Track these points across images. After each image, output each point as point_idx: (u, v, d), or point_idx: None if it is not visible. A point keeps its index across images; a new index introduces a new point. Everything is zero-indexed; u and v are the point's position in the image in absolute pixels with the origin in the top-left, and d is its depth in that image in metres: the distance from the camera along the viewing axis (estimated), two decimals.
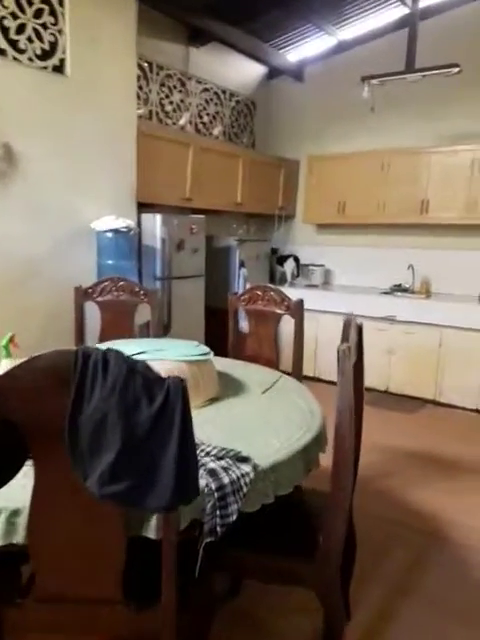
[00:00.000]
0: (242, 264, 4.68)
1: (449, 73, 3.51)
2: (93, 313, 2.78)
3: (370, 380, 4.91)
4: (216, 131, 5.22)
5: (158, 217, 3.79)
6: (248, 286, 4.95)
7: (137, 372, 1.03)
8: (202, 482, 1.27)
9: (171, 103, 4.68)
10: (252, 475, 1.35)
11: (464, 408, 4.27)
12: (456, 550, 2.38)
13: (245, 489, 1.33)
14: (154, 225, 3.79)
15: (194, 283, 4.14)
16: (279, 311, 2.49)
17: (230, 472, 1.33)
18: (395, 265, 5.03)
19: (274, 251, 5.44)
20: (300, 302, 2.44)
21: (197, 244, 4.13)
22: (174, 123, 4.72)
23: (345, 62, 5.03)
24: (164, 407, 1.02)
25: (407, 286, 4.89)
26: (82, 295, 2.74)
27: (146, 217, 3.83)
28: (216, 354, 2.06)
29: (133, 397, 1.02)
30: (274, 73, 5.62)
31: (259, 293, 2.56)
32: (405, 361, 4.49)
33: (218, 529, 1.28)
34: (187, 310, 4.00)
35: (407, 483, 3.00)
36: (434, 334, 4.33)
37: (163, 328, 3.92)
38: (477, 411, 4.22)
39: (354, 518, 1.85)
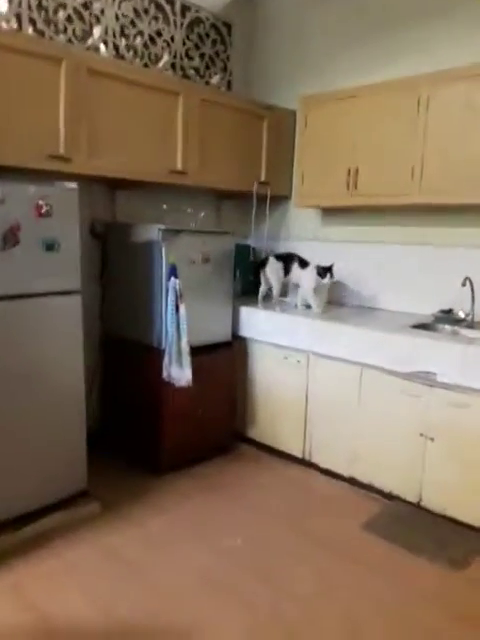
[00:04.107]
0: (173, 271, 2.77)
1: None
2: None
3: (390, 481, 2.57)
4: (160, 63, 3.34)
5: None
6: (182, 310, 3.04)
7: None
8: None
9: (64, 8, 2.85)
10: None
11: None
12: None
13: None
14: None
15: (54, 306, 2.27)
16: None
17: None
18: (442, 277, 2.94)
19: (247, 250, 3.49)
20: None
21: (56, 234, 2.25)
22: (72, 40, 2.88)
23: None
24: None
25: (461, 315, 2.79)
26: None
27: None
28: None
29: None
30: None
31: None
32: (451, 454, 2.42)
33: None
34: (34, 354, 2.16)
35: None
36: None
37: None
38: None
39: None
